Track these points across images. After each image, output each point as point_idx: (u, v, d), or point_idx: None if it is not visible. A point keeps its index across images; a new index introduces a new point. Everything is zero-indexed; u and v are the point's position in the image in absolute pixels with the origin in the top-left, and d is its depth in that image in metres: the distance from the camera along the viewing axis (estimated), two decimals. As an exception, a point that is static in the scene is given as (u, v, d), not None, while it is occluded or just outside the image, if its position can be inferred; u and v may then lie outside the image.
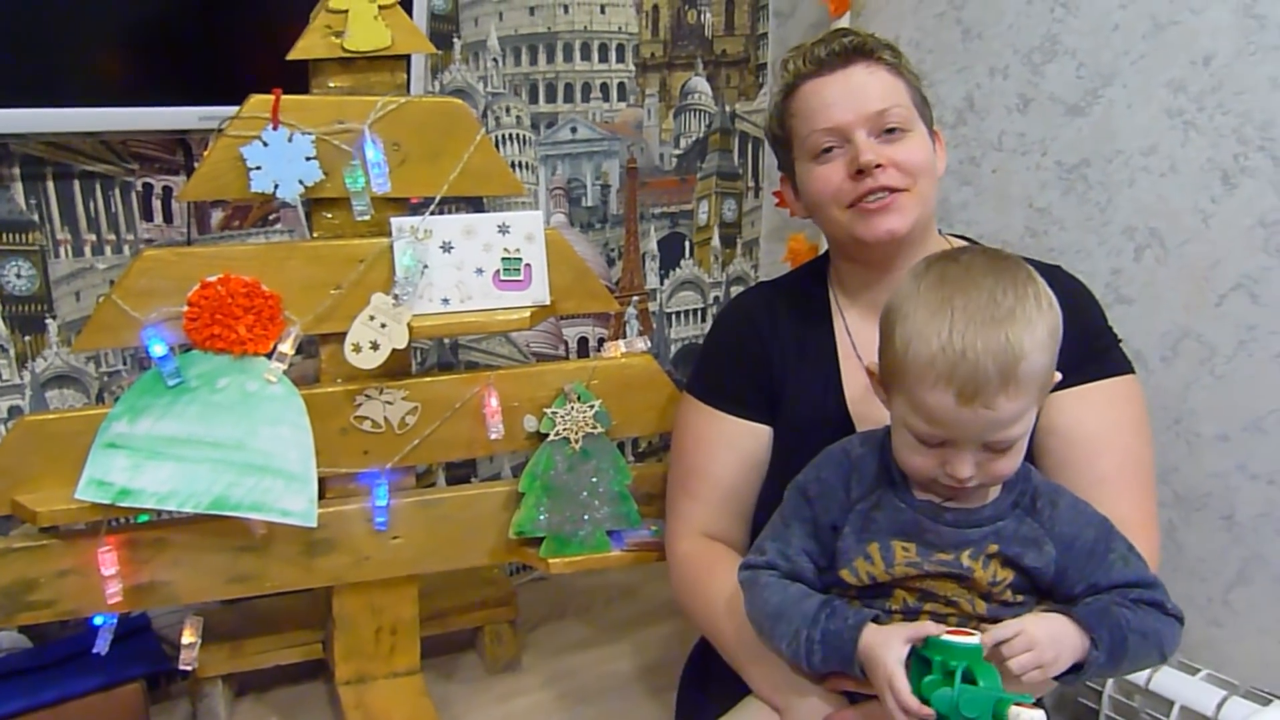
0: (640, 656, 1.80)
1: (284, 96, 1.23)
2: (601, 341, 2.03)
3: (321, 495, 1.33)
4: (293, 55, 1.24)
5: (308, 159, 1.25)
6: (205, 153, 1.24)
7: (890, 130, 1.19)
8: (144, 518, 1.34)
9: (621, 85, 1.96)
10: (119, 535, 1.30)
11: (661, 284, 2.11)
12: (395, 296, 1.30)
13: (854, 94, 1.20)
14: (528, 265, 1.37)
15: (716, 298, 2.20)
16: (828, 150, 1.21)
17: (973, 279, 0.95)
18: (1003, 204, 1.80)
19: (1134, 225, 1.63)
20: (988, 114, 1.80)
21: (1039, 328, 0.94)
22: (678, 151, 2.07)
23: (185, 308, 1.25)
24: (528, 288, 1.37)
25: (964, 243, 1.33)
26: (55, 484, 1.24)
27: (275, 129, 1.23)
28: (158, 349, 1.23)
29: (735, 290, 2.23)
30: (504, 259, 1.36)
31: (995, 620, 1.02)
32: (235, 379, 1.28)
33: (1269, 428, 1.52)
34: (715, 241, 2.17)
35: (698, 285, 2.16)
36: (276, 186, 1.24)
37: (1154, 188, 1.60)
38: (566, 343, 2.00)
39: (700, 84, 2.07)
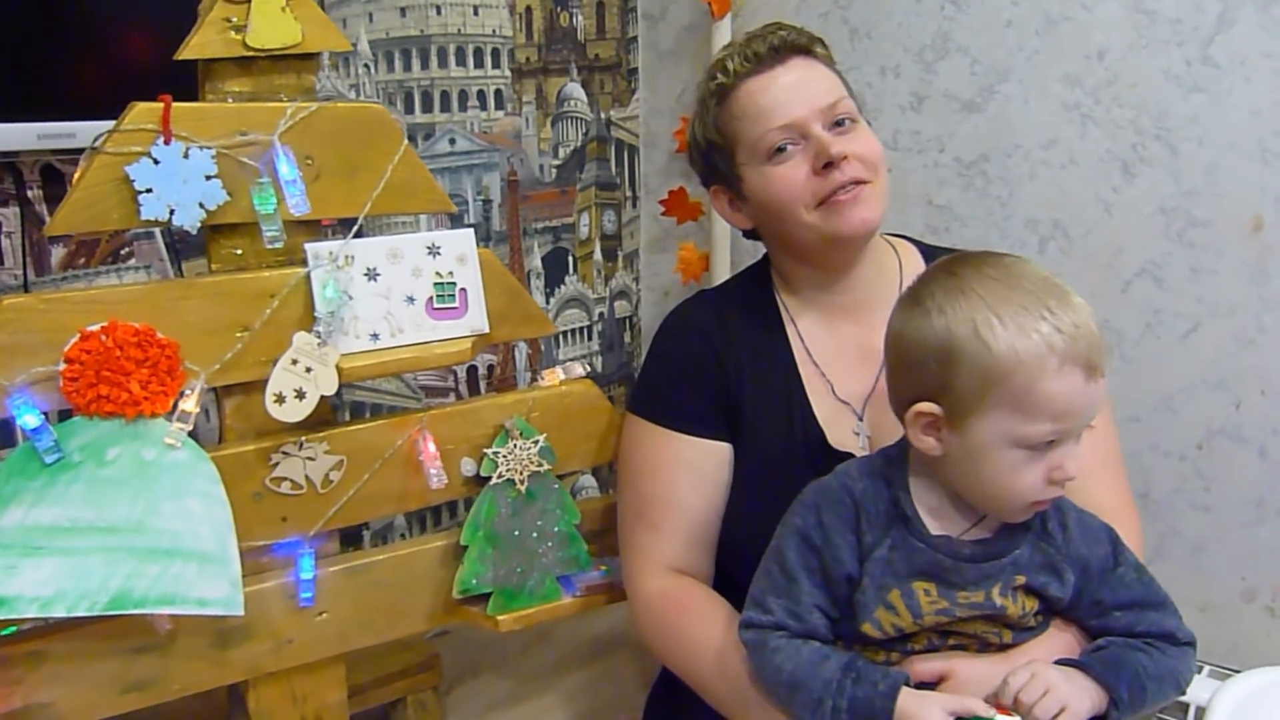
0: (572, 706, 1.67)
1: (175, 104, 1.02)
2: (491, 369, 1.88)
3: (232, 575, 1.12)
4: (184, 54, 1.03)
5: (208, 178, 1.05)
6: (77, 174, 1.02)
7: (842, 123, 1.15)
8: (11, 629, 1.08)
9: (499, 92, 1.82)
10: (-20, 654, 1.05)
11: (547, 303, 1.98)
12: (318, 335, 1.12)
13: (802, 88, 1.15)
14: (462, 290, 1.22)
15: (601, 314, 2.09)
16: (782, 149, 1.14)
17: (1008, 269, 0.93)
18: (900, 203, 1.80)
19: (1037, 218, 1.66)
20: (880, 113, 1.79)
21: None
22: (557, 162, 1.95)
23: (62, 365, 1.01)
24: (464, 315, 1.22)
25: (905, 241, 1.30)
26: (-105, 600, 0.98)
27: (167, 143, 1.02)
28: (29, 419, 1.00)
29: (619, 305, 2.13)
30: (436, 284, 1.20)
31: (1017, 645, 1.00)
32: (128, 447, 1.05)
33: (1178, 406, 1.59)
34: (597, 255, 2.06)
35: (582, 302, 2.05)
36: (172, 212, 1.04)
37: (1055, 180, 1.64)
38: (455, 373, 1.83)
39: (575, 90, 1.96)
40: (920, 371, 0.93)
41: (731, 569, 1.21)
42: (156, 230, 1.41)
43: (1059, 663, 0.98)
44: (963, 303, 0.91)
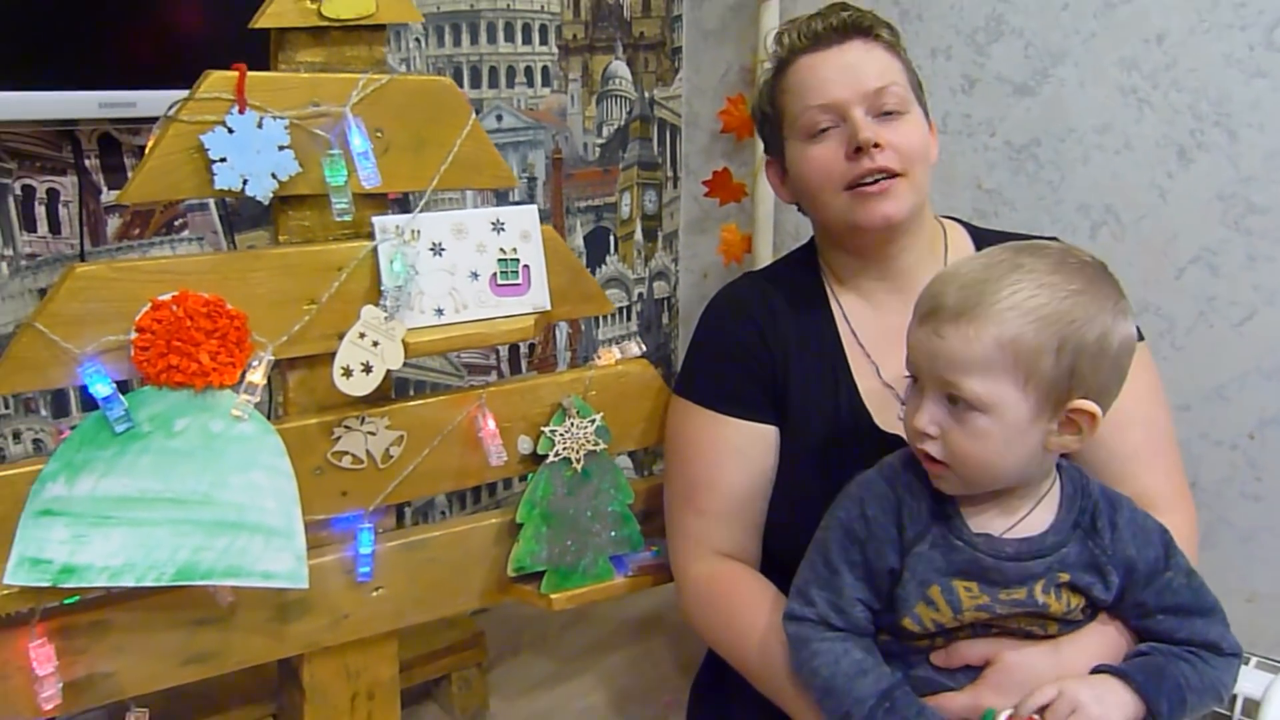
0: (611, 686, 1.67)
1: (249, 73, 1.01)
2: (532, 348, 1.87)
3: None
4: (260, 23, 1.02)
5: (281, 148, 1.04)
6: (151, 143, 1.01)
7: (888, 112, 1.13)
8: (74, 598, 1.08)
9: (545, 70, 1.81)
10: (47, 623, 1.04)
11: (588, 283, 1.98)
12: (385, 309, 1.11)
13: (851, 71, 1.14)
14: (525, 266, 1.21)
15: (640, 294, 2.08)
16: (824, 130, 1.14)
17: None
18: (949, 186, 1.78)
19: (1089, 203, 1.65)
20: (930, 96, 1.73)
21: None
22: (600, 140, 1.94)
23: (134, 335, 1.01)
24: (526, 292, 1.21)
25: (955, 224, 1.29)
26: (-36, 567, 0.98)
27: (242, 112, 1.01)
28: (101, 388, 0.99)
29: (657, 286, 2.12)
30: (500, 260, 1.19)
31: (1063, 635, 0.99)
32: (196, 419, 1.05)
33: (1230, 395, 1.57)
34: (638, 235, 2.05)
35: (622, 282, 2.04)
36: (245, 182, 1.03)
37: (1109, 165, 1.62)
38: (498, 350, 1.83)
39: (620, 69, 1.95)
40: (1098, 370, 0.92)
41: (778, 552, 1.21)
42: (210, 201, 1.40)
43: (1101, 669, 0.97)
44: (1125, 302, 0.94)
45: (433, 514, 1.80)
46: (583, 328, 1.97)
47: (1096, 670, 0.97)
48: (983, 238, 1.25)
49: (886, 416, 1.18)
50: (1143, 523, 1.00)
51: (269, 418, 1.12)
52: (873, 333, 1.22)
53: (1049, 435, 0.92)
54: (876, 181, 1.12)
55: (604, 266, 2.00)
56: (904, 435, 1.15)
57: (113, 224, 1.34)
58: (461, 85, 1.70)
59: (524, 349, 1.87)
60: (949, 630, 0.98)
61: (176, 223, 1.39)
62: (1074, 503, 0.98)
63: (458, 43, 1.67)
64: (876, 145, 1.11)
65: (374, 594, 1.23)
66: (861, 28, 1.17)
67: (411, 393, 1.71)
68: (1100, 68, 1.60)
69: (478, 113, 1.73)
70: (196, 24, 1.20)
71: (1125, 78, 1.58)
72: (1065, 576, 0.96)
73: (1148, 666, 0.96)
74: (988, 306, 0.89)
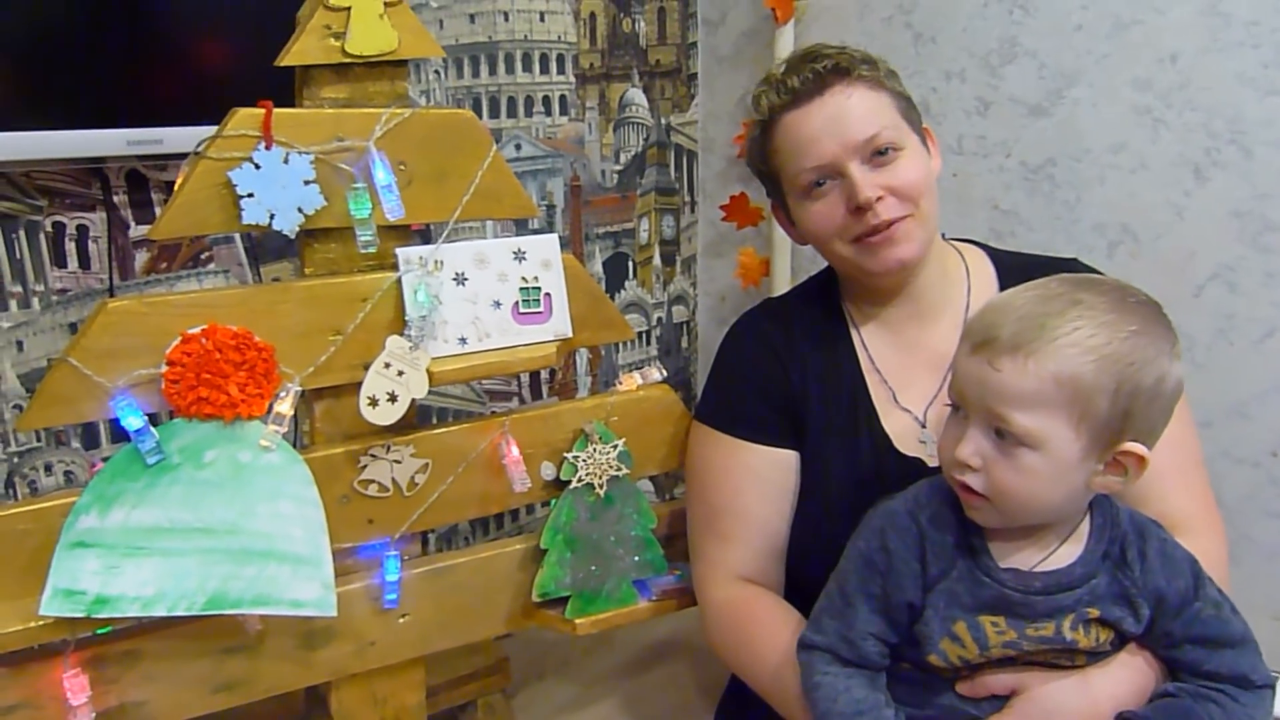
0: (635, 711, 1.67)
1: (275, 110, 1.03)
2: (553, 374, 1.89)
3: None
4: (285, 61, 1.04)
5: (306, 183, 1.06)
6: (180, 179, 1.03)
7: (882, 152, 1.11)
8: (106, 628, 1.10)
9: (563, 98, 1.83)
10: (80, 653, 1.06)
11: (607, 308, 1.99)
12: (410, 339, 1.13)
13: (837, 123, 1.12)
14: (547, 294, 1.22)
15: (659, 319, 2.09)
16: (820, 184, 1.13)
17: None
18: (964, 207, 1.79)
19: (1105, 222, 1.65)
20: (944, 118, 1.78)
21: None
22: (618, 167, 1.96)
23: (164, 368, 1.03)
24: (548, 320, 1.23)
25: (974, 247, 1.29)
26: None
27: (269, 148, 1.03)
28: (133, 421, 1.01)
29: (676, 310, 2.14)
30: (522, 289, 1.21)
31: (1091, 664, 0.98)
32: (225, 450, 1.06)
33: (1251, 413, 1.57)
34: (656, 260, 2.07)
35: (641, 307, 2.05)
36: (272, 217, 1.05)
37: (1124, 184, 1.62)
38: (519, 377, 1.84)
39: (637, 96, 1.97)
40: (1150, 413, 0.91)
41: (801, 576, 1.21)
42: (236, 235, 1.43)
43: (1125, 716, 0.96)
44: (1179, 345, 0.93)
45: (456, 540, 1.81)
46: (603, 353, 1.99)
47: (1120, 719, 0.96)
48: (1002, 260, 1.26)
49: (908, 440, 1.19)
50: (1172, 552, 0.98)
51: (295, 447, 1.14)
52: (891, 356, 1.22)
53: (1094, 475, 0.91)
54: (882, 232, 1.11)
55: (623, 292, 2.02)
56: (924, 459, 1.16)
57: (140, 258, 1.36)
58: (480, 115, 1.73)
59: (545, 375, 1.88)
60: (975, 665, 0.98)
61: (203, 256, 1.42)
62: (1103, 533, 0.97)
63: (476, 74, 1.70)
64: (879, 199, 1.10)
65: (400, 620, 1.24)
66: (837, 71, 1.13)
67: (434, 420, 1.73)
68: (1114, 88, 1.61)
69: (497, 142, 1.75)
70: (221, 62, 1.23)
71: (1139, 97, 1.59)
72: (1095, 612, 0.95)
73: (1172, 711, 0.94)
74: (1047, 341, 0.87)
